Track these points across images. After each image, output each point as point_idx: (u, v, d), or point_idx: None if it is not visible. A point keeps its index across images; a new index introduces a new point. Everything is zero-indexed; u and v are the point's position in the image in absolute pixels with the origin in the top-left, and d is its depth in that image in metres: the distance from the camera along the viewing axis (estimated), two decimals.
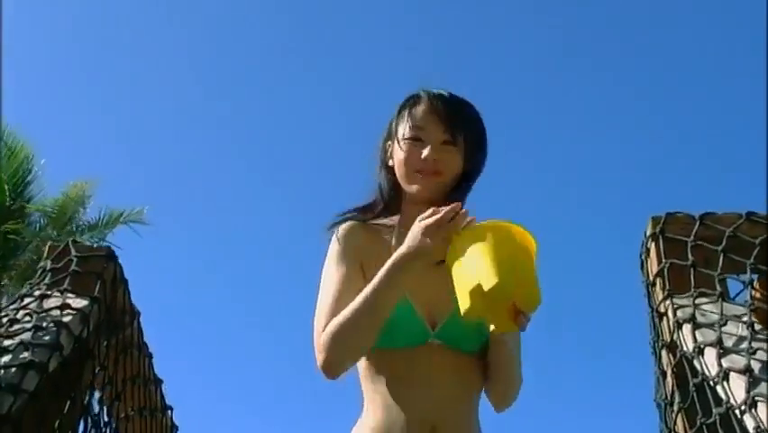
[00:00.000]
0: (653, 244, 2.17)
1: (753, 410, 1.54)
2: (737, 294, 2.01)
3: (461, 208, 1.59)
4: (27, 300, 2.17)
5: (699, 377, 1.83)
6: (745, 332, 1.77)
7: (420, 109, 1.86)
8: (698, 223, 2.13)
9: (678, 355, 1.98)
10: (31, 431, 1.92)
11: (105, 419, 2.38)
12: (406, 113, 1.87)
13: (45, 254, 2.39)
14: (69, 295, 2.20)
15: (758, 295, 2.01)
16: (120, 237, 12.03)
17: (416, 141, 1.83)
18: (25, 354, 1.89)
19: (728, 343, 1.75)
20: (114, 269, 2.37)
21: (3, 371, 1.82)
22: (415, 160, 1.82)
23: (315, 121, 19.01)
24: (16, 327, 2.02)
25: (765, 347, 1.69)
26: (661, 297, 2.08)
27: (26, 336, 1.96)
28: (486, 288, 1.40)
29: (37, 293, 2.20)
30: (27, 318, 2.06)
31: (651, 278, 2.16)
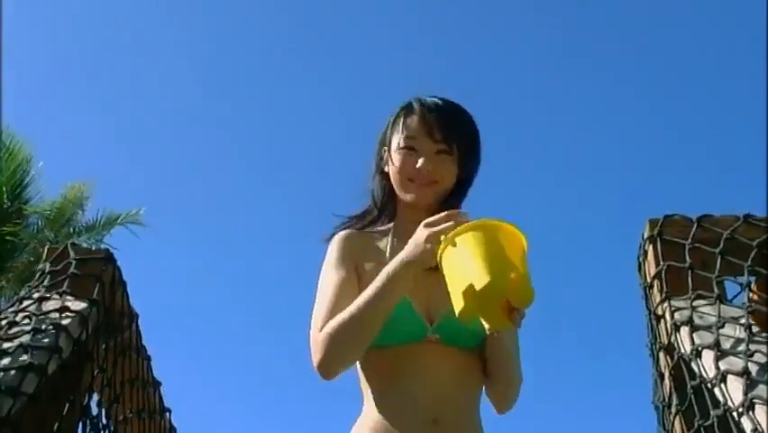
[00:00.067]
0: (650, 247, 2.18)
1: (750, 413, 1.54)
2: (735, 296, 2.02)
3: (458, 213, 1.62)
4: (26, 303, 2.17)
5: (697, 379, 1.83)
6: (742, 334, 1.77)
7: (414, 119, 1.89)
8: (695, 225, 2.14)
9: (675, 358, 1.99)
10: None
11: (104, 421, 2.38)
12: (400, 122, 1.91)
13: (44, 257, 2.39)
14: (68, 297, 2.20)
15: (756, 297, 2.01)
16: (117, 238, 12.05)
17: (410, 150, 1.87)
18: (24, 357, 1.89)
19: (726, 345, 1.75)
20: (113, 271, 2.37)
21: (2, 373, 1.82)
22: (409, 169, 1.86)
23: (314, 120, 19.03)
24: (15, 329, 2.02)
25: (763, 349, 1.70)
26: (658, 299, 2.09)
27: (25, 338, 1.97)
28: (478, 287, 1.42)
29: (36, 296, 2.20)
30: (26, 321, 2.06)
31: (648, 280, 2.17)
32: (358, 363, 1.81)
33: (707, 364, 1.76)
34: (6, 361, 1.87)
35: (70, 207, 12.15)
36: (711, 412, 1.77)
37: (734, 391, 1.63)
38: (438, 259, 1.54)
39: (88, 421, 2.26)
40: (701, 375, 1.79)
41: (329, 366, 1.69)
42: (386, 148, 1.94)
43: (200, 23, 19.21)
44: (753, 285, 2.02)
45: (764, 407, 1.53)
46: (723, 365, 1.69)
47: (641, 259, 2.24)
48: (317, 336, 1.70)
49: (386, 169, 1.93)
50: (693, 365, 1.84)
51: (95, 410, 2.33)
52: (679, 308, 1.98)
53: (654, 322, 2.13)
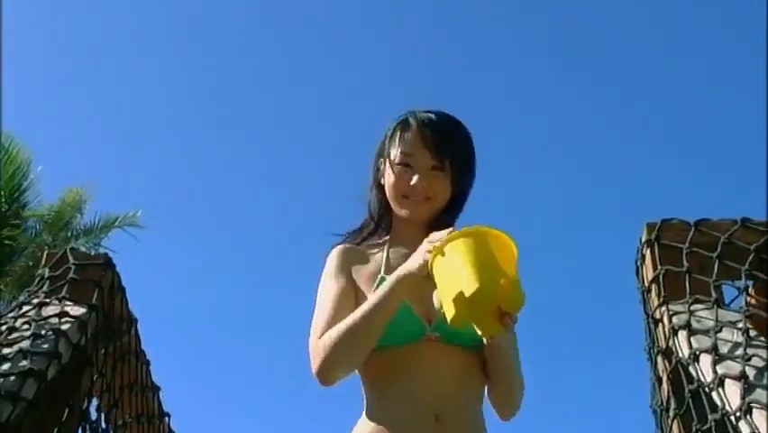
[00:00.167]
0: (648, 251, 2.19)
1: (748, 417, 1.55)
2: (732, 300, 2.02)
3: (454, 229, 1.66)
4: (26, 308, 2.18)
5: (695, 383, 1.84)
6: (740, 338, 1.78)
7: (409, 135, 1.91)
8: (693, 229, 2.14)
9: (673, 362, 1.99)
10: None
11: (104, 426, 2.38)
12: (396, 137, 1.94)
13: (43, 262, 2.40)
14: (68, 303, 2.21)
15: (753, 301, 2.01)
16: (115, 241, 12.04)
17: (405, 166, 1.90)
18: (24, 362, 1.89)
19: (724, 349, 1.76)
20: (112, 277, 2.38)
21: (2, 379, 1.83)
22: (404, 185, 1.90)
23: (314, 120, 19.00)
24: (15, 335, 2.03)
25: (761, 354, 1.71)
26: (656, 303, 2.09)
27: (25, 344, 1.97)
28: (468, 294, 1.43)
29: (35, 301, 2.21)
30: (26, 326, 2.07)
31: (646, 284, 2.18)
32: None
33: (704, 368, 1.76)
34: (6, 366, 1.88)
35: (69, 210, 12.16)
36: (709, 416, 1.78)
37: (731, 395, 1.64)
38: (429, 268, 1.57)
39: (88, 426, 2.26)
40: (699, 379, 1.80)
41: (328, 373, 1.72)
42: (382, 160, 1.97)
43: (192, 26, 19.22)
44: (750, 289, 2.02)
45: (762, 411, 1.53)
46: (721, 369, 1.70)
47: (639, 263, 2.25)
48: (317, 345, 1.73)
49: (382, 181, 1.97)
50: (691, 369, 1.84)
51: (94, 415, 2.34)
52: (677, 312, 1.99)
53: (652, 326, 2.14)
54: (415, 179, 1.88)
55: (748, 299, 2.01)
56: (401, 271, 1.68)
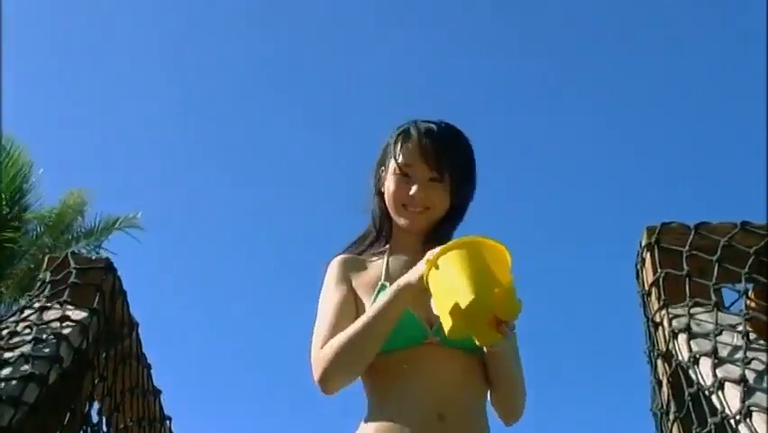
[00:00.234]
0: (648, 254, 2.19)
1: (748, 420, 1.55)
2: (732, 303, 2.02)
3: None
4: (27, 312, 2.18)
5: (695, 387, 1.84)
6: (740, 342, 1.78)
7: (409, 146, 1.94)
8: (693, 232, 2.15)
9: (673, 365, 2.00)
10: None
11: (105, 430, 2.38)
12: (397, 147, 1.96)
13: (44, 266, 2.41)
14: (69, 307, 2.21)
15: (753, 305, 2.02)
16: (115, 243, 12.04)
17: (404, 176, 1.93)
18: (26, 367, 1.90)
19: (723, 352, 1.76)
20: (113, 280, 2.38)
21: (3, 383, 1.83)
22: (403, 195, 1.93)
23: (315, 122, 19.01)
24: (16, 339, 2.03)
25: (760, 357, 1.71)
26: (656, 307, 2.10)
27: (26, 348, 1.98)
28: (463, 305, 1.45)
29: (37, 305, 2.21)
30: (27, 331, 2.07)
31: (646, 288, 2.18)
32: None
33: (704, 372, 1.76)
34: (7, 371, 1.88)
35: (70, 213, 12.16)
36: (709, 420, 1.78)
37: (731, 398, 1.64)
38: (425, 280, 1.58)
39: (89, 430, 2.27)
40: (699, 383, 1.80)
41: (330, 382, 1.75)
42: (383, 168, 1.98)
43: (197, 27, 19.23)
44: (750, 292, 2.03)
45: (762, 415, 1.53)
46: (720, 373, 1.70)
47: (639, 266, 2.25)
48: (318, 354, 1.76)
49: (383, 189, 1.99)
50: (691, 373, 1.85)
51: (95, 419, 2.34)
52: (677, 316, 1.99)
53: (652, 329, 2.14)
54: (413, 189, 1.90)
55: (748, 302, 2.02)
56: (401, 281, 1.70)
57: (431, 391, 1.75)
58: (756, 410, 1.55)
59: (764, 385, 1.61)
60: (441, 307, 1.51)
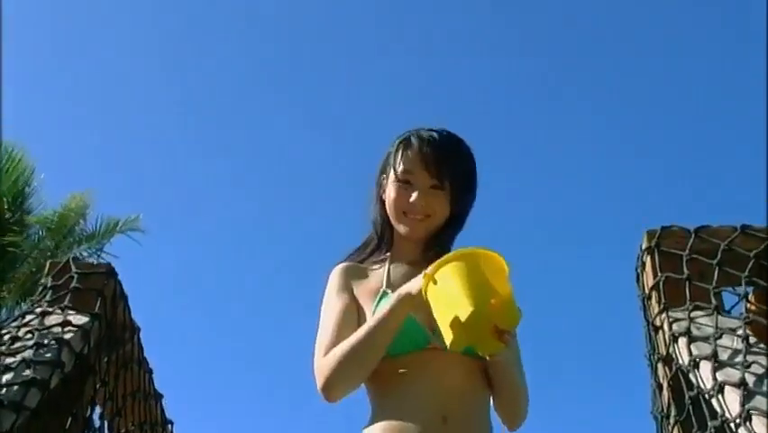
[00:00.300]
0: (648, 258, 2.19)
1: (747, 424, 1.55)
2: (732, 307, 2.03)
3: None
4: (29, 317, 2.19)
5: (695, 390, 1.85)
6: (740, 345, 1.79)
7: (410, 153, 1.95)
8: (693, 236, 2.15)
9: (674, 368, 2.00)
10: None
11: None
12: (398, 155, 1.97)
13: (46, 271, 2.42)
14: (70, 312, 2.22)
15: (753, 308, 2.02)
16: (117, 246, 12.04)
17: (405, 184, 1.94)
18: (27, 372, 1.90)
19: (723, 356, 1.77)
20: (115, 285, 2.39)
21: (5, 388, 1.84)
22: (403, 202, 1.94)
23: (316, 123, 19.00)
24: (18, 344, 2.04)
25: (760, 360, 1.71)
26: (656, 310, 2.10)
27: (28, 353, 1.98)
28: (463, 318, 1.45)
29: (38, 310, 2.22)
30: (29, 336, 2.08)
31: (647, 291, 2.18)
32: None
33: (704, 375, 1.77)
34: (9, 376, 1.89)
35: (72, 216, 12.16)
36: (709, 423, 1.78)
37: (731, 402, 1.64)
38: (424, 294, 1.59)
39: None
40: (699, 386, 1.80)
41: (333, 390, 1.76)
42: (384, 176, 2.00)
43: (197, 29, 19.22)
44: (750, 296, 2.03)
45: (761, 418, 1.54)
46: (720, 376, 1.71)
47: (639, 270, 2.26)
48: (321, 362, 1.78)
49: (384, 197, 2.01)
50: (691, 376, 1.85)
51: (97, 423, 2.34)
52: (677, 319, 1.99)
53: (653, 333, 2.14)
54: (414, 196, 1.92)
55: (748, 305, 2.02)
56: (402, 291, 1.71)
57: (434, 394, 1.75)
58: (756, 414, 1.55)
59: (764, 389, 1.62)
60: (441, 320, 1.52)
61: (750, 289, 2.03)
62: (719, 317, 1.92)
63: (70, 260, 2.40)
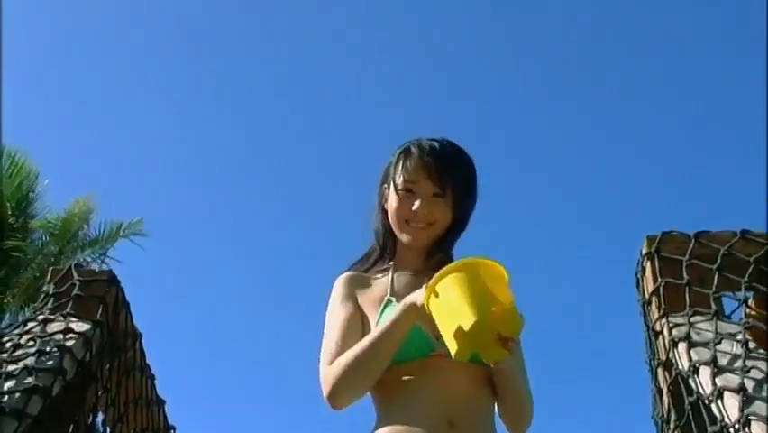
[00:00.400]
0: (648, 263, 2.20)
1: (746, 429, 1.56)
2: (732, 312, 2.03)
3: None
4: (30, 325, 2.20)
5: (695, 395, 1.85)
6: (739, 350, 1.79)
7: (412, 162, 1.97)
8: (693, 241, 2.15)
9: (674, 374, 2.00)
10: None
11: None
12: (399, 164, 1.99)
13: (48, 278, 2.43)
14: (72, 319, 2.23)
15: (753, 313, 2.02)
16: (121, 251, 12.04)
17: (407, 192, 1.96)
18: (29, 379, 1.91)
19: (723, 361, 1.77)
20: (116, 292, 2.40)
21: (7, 396, 1.84)
22: (406, 211, 1.95)
23: (316, 125, 19.00)
24: (20, 351, 2.05)
25: (760, 366, 1.71)
26: (656, 315, 2.10)
27: (30, 360, 1.99)
28: (466, 328, 1.47)
29: (40, 318, 2.22)
30: (31, 343, 2.09)
31: (646, 296, 2.19)
32: None
33: (704, 381, 1.77)
34: (11, 383, 1.90)
35: (76, 221, 12.17)
36: (708, 429, 1.78)
37: (730, 407, 1.65)
38: (426, 306, 1.60)
39: None
40: (699, 391, 1.80)
41: (338, 399, 1.78)
42: (386, 186, 2.01)
43: (199, 33, 19.23)
44: (750, 301, 2.03)
45: (760, 423, 1.54)
46: (720, 382, 1.71)
47: (639, 275, 2.26)
48: (327, 371, 1.79)
49: (386, 206, 2.03)
50: (691, 381, 1.85)
51: (99, 430, 2.35)
52: (677, 325, 1.99)
53: (653, 338, 2.15)
54: (416, 204, 1.93)
55: (748, 310, 2.02)
56: (408, 300, 1.72)
57: (440, 400, 1.76)
58: (755, 419, 1.56)
59: (763, 394, 1.62)
60: (445, 331, 1.54)
61: (750, 294, 2.03)
62: (719, 322, 1.92)
63: (72, 267, 2.40)
